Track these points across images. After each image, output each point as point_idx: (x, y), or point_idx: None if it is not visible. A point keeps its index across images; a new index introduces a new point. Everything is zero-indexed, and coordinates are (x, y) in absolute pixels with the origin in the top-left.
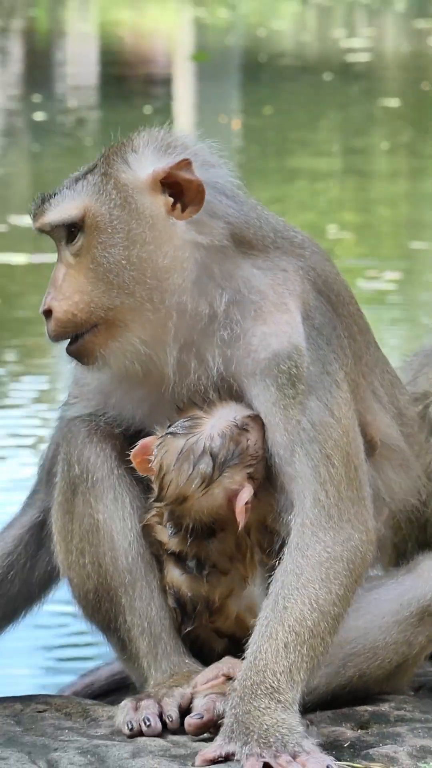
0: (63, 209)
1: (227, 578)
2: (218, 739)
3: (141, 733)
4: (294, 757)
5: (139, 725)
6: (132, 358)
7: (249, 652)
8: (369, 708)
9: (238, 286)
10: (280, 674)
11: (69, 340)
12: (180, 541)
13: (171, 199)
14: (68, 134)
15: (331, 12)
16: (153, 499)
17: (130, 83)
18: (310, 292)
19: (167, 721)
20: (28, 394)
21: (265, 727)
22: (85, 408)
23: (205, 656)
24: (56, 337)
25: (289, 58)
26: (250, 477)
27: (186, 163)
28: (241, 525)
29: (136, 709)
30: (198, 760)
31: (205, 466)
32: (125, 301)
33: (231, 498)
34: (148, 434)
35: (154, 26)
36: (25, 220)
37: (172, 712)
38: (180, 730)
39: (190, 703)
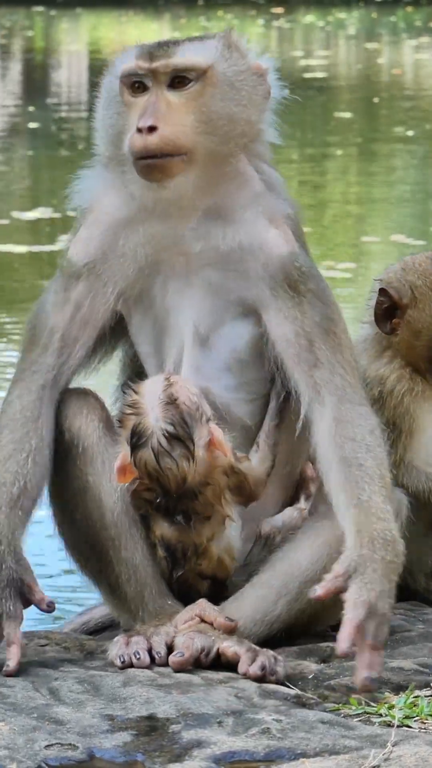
0: (193, 57)
1: (210, 522)
2: (355, 584)
3: (131, 665)
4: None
5: (130, 658)
6: (187, 192)
7: (358, 502)
8: (330, 644)
9: (269, 184)
10: (386, 519)
11: (150, 156)
12: (168, 504)
13: (269, 86)
14: (59, 141)
15: (291, 34)
16: (154, 495)
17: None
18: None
19: (156, 656)
20: None
21: (379, 588)
22: (85, 257)
23: (192, 598)
24: (154, 150)
25: None
26: (208, 420)
27: (267, 71)
28: (229, 454)
29: (127, 644)
30: (318, 591)
31: (179, 448)
32: (217, 148)
33: (211, 448)
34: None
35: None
36: (26, 215)
37: (160, 648)
38: (166, 663)
39: (174, 639)
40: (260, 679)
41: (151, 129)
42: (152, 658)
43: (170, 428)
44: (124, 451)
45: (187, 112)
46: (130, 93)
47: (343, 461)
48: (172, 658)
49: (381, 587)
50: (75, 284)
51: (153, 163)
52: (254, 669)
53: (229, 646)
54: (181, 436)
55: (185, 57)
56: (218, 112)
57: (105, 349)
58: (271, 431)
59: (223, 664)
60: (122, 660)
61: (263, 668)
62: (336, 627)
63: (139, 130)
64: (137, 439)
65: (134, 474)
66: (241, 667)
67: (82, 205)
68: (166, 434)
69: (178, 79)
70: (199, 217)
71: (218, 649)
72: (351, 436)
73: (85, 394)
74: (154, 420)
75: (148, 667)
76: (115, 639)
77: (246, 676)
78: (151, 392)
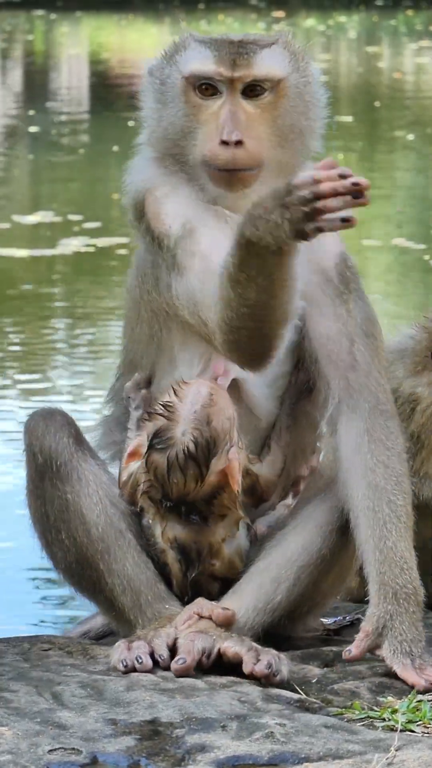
0: (272, 67)
1: (224, 522)
2: (388, 641)
3: (134, 670)
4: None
5: (133, 663)
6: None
7: (383, 547)
8: (333, 648)
9: None
10: (414, 572)
11: (230, 168)
12: (183, 505)
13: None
14: (58, 144)
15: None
16: (155, 493)
17: (115, 99)
18: None
19: (159, 659)
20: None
21: (412, 636)
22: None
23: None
24: (240, 165)
25: None
26: (231, 447)
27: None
28: (237, 489)
29: (129, 649)
30: (351, 653)
31: (193, 469)
32: (288, 161)
33: (224, 475)
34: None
35: (137, 49)
36: (27, 218)
37: (162, 651)
38: (169, 666)
39: (176, 641)
40: (266, 678)
41: (239, 143)
42: (155, 662)
43: (192, 448)
44: (139, 440)
45: (262, 124)
46: (199, 95)
47: (373, 490)
48: (174, 665)
49: (412, 635)
50: (187, 245)
51: (234, 176)
52: (260, 668)
53: (229, 647)
54: (198, 459)
55: (264, 67)
56: (291, 125)
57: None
58: (283, 432)
59: (225, 664)
60: (125, 664)
61: (269, 666)
62: (337, 631)
63: (225, 143)
64: (158, 442)
65: (139, 458)
66: (246, 667)
67: (139, 194)
68: (186, 452)
69: (251, 88)
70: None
71: (219, 650)
72: (384, 461)
73: (50, 413)
74: (181, 433)
75: (151, 671)
76: (117, 644)
77: (252, 675)
78: (190, 401)
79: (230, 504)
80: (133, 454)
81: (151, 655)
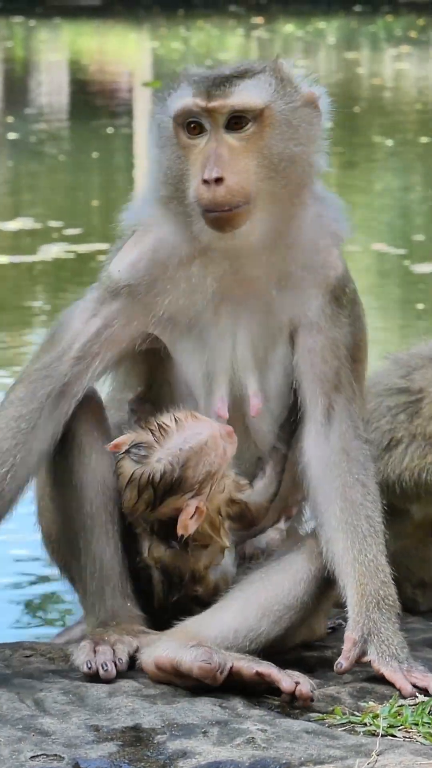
0: (249, 97)
1: (208, 551)
2: (352, 635)
3: (97, 674)
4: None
5: (97, 669)
6: (260, 234)
7: (363, 560)
8: (314, 654)
9: (324, 206)
10: (389, 582)
11: (218, 209)
12: (166, 528)
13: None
14: (38, 151)
15: (270, 44)
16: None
17: (95, 106)
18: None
19: (117, 663)
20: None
21: (396, 643)
22: (129, 278)
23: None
24: (222, 204)
25: None
26: (194, 496)
27: (319, 98)
28: (186, 534)
29: (95, 652)
30: (342, 666)
31: (148, 496)
32: (281, 191)
33: (176, 514)
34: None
35: (117, 56)
36: (7, 225)
37: (123, 656)
38: (126, 671)
39: (136, 651)
40: (308, 699)
41: (218, 180)
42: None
43: (157, 478)
44: (128, 437)
45: (248, 157)
46: (187, 134)
47: (352, 505)
48: (198, 664)
49: (397, 640)
50: (110, 301)
51: (222, 216)
52: (306, 689)
53: (250, 666)
54: (157, 489)
55: (242, 96)
56: (279, 154)
57: (124, 368)
58: (280, 459)
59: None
60: (89, 666)
61: (313, 689)
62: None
63: (206, 182)
64: (133, 453)
65: (122, 448)
66: (286, 685)
67: (135, 227)
68: (150, 477)
69: (234, 120)
70: (264, 247)
71: (232, 668)
72: (362, 481)
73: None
74: (156, 459)
75: (112, 681)
76: (82, 644)
77: (298, 695)
78: (183, 438)
79: (213, 531)
80: (116, 446)
81: (114, 662)
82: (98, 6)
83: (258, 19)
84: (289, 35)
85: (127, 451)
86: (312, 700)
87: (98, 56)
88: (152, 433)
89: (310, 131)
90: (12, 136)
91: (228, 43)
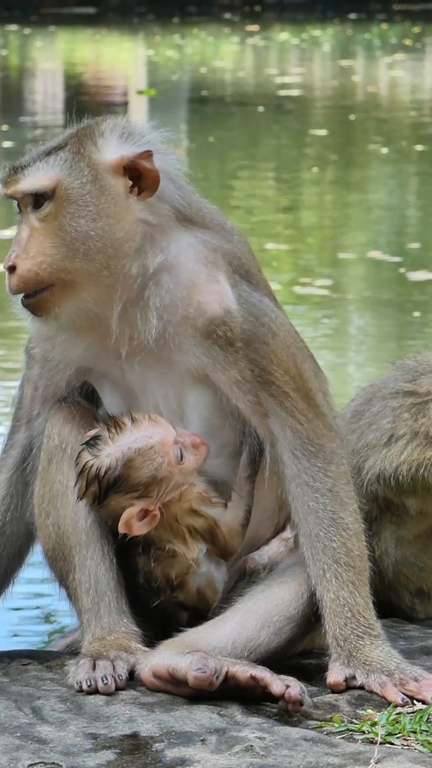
0: (36, 179)
1: (178, 559)
2: (335, 665)
3: (96, 691)
4: (416, 680)
5: (96, 683)
6: (81, 314)
7: (326, 600)
8: (313, 661)
9: (175, 253)
10: (364, 611)
11: (26, 294)
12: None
13: (130, 182)
14: (24, 155)
15: (265, 52)
16: None
17: (91, 114)
18: (233, 272)
19: (117, 679)
20: None
21: (380, 658)
22: (41, 348)
23: (171, 627)
24: (16, 292)
25: (229, 92)
26: (138, 498)
27: (148, 154)
28: (130, 534)
29: (94, 668)
30: (335, 689)
31: (94, 489)
32: (84, 266)
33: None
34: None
35: (112, 64)
36: (3, 233)
37: (122, 672)
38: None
39: (134, 667)
40: (297, 703)
41: (11, 269)
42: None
43: (101, 472)
44: (97, 429)
45: (45, 238)
46: (18, 216)
47: (308, 539)
48: (194, 673)
49: (380, 657)
50: (32, 366)
51: (26, 302)
52: (295, 692)
53: (245, 670)
54: (101, 483)
55: (30, 179)
56: (71, 232)
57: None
58: (242, 483)
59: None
60: (89, 683)
61: (302, 692)
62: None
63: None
64: (90, 444)
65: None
66: (277, 688)
67: None
68: (96, 470)
69: (37, 201)
70: (119, 312)
71: (228, 673)
72: (314, 508)
73: (78, 404)
74: (105, 454)
75: (112, 694)
76: (81, 662)
77: (280, 697)
78: (135, 437)
79: (177, 543)
80: (87, 438)
81: (114, 677)
82: (93, 14)
83: (253, 27)
84: (284, 43)
85: (87, 443)
86: (302, 704)
87: (93, 64)
88: (109, 428)
89: (110, 202)
90: (7, 144)
91: (223, 50)
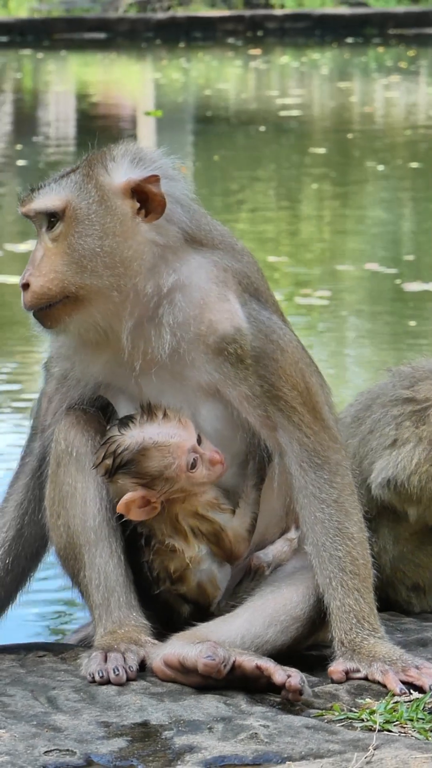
0: (48, 200)
1: (177, 554)
2: (338, 659)
3: (109, 681)
4: (418, 668)
5: (108, 674)
6: (89, 327)
7: (333, 607)
8: (313, 652)
9: (187, 273)
10: (368, 616)
11: (39, 308)
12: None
13: (137, 204)
14: (45, 177)
15: (267, 74)
16: None
17: (101, 134)
18: (243, 291)
19: (128, 670)
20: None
21: (384, 651)
22: (60, 367)
23: (174, 620)
24: (30, 307)
25: (232, 113)
26: (143, 486)
27: (155, 179)
28: (126, 516)
29: (106, 660)
30: (334, 677)
31: (108, 463)
32: (93, 282)
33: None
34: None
35: (120, 87)
36: (18, 247)
37: (132, 664)
38: (135, 678)
39: (144, 659)
40: (297, 692)
41: (25, 286)
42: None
43: (120, 449)
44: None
45: (57, 256)
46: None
47: (315, 548)
48: (204, 660)
49: (383, 650)
50: (50, 381)
51: (39, 315)
52: (295, 681)
53: (251, 659)
54: (116, 459)
55: (41, 199)
56: (80, 250)
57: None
58: (248, 491)
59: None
60: (101, 675)
61: (302, 681)
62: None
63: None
64: (122, 421)
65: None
66: (278, 677)
67: None
68: (115, 449)
69: (50, 221)
70: (131, 328)
71: (235, 662)
72: (320, 518)
73: (83, 411)
74: (130, 437)
75: (123, 684)
76: (93, 654)
77: (282, 687)
78: (158, 433)
79: (177, 539)
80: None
81: (125, 668)
82: (103, 39)
83: (255, 51)
84: (285, 66)
85: (121, 420)
86: (301, 693)
87: (103, 87)
88: (143, 414)
89: (117, 221)
90: (21, 162)
91: (226, 73)
